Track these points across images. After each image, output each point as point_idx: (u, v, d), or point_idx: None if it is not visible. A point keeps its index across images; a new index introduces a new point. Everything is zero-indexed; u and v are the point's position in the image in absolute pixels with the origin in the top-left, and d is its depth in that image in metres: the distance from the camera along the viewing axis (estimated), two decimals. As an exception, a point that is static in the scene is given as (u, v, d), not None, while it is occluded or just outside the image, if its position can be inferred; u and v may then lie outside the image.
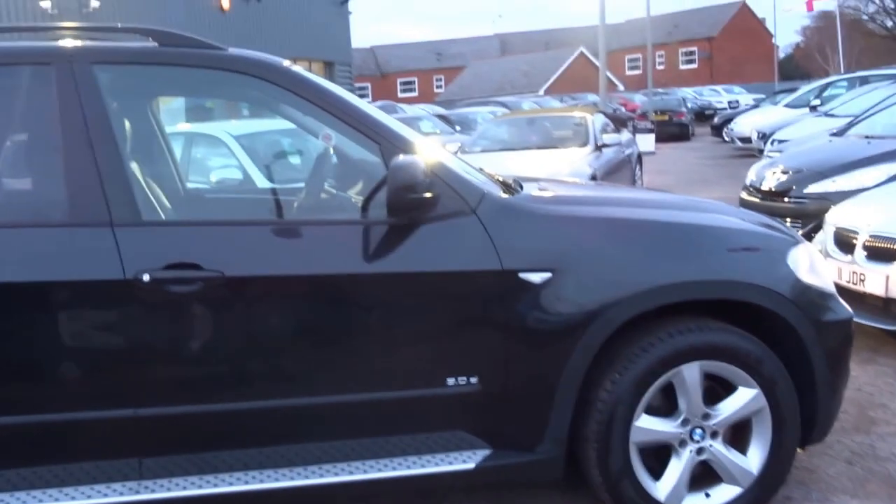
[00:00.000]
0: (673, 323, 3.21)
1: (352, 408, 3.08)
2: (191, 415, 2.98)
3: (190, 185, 5.32)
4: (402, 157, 2.94)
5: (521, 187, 3.57)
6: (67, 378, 2.94)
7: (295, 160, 6.91)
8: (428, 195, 2.96)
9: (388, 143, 3.14)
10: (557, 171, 9.02)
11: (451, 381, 3.08)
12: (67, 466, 2.94)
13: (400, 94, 61.86)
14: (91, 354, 2.95)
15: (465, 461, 3.10)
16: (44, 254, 2.90)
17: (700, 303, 3.28)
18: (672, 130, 28.67)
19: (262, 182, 6.75)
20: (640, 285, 3.13)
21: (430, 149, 3.26)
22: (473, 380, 3.09)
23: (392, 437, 3.12)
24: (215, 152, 7.84)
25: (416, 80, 67.22)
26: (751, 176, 9.03)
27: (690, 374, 3.18)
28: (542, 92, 46.24)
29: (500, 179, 3.59)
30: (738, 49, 60.67)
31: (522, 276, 3.06)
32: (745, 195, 8.79)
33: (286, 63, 3.32)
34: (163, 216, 3.40)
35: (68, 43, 3.21)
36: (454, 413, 3.14)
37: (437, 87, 64.00)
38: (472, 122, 20.75)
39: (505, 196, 3.28)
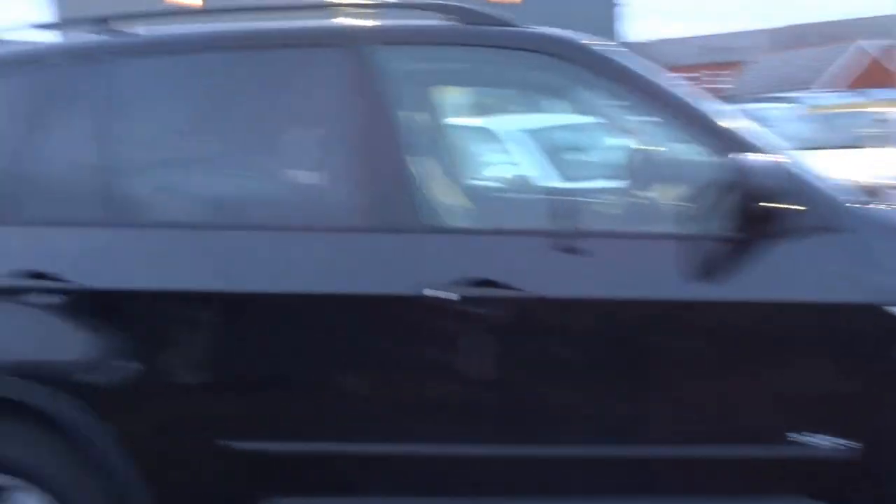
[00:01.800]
0: None
1: (681, 463, 2.60)
2: (497, 459, 2.61)
3: (483, 187, 4.96)
4: (758, 159, 2.42)
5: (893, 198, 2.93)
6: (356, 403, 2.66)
7: (596, 159, 6.28)
8: (797, 207, 2.44)
9: (730, 142, 2.60)
10: (876, 175, 8.05)
11: (800, 436, 2.51)
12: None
13: (672, 91, 60.08)
14: (388, 377, 2.64)
15: None
16: (333, 262, 2.63)
17: None
18: None
19: (563, 186, 6.19)
20: None
21: (781, 150, 2.70)
22: (829, 438, 2.50)
23: (712, 499, 2.61)
24: (502, 149, 7.30)
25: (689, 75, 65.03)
26: None
27: None
28: (823, 87, 43.05)
29: (863, 186, 2.97)
30: None
31: None
32: None
33: (604, 44, 2.84)
34: (461, 223, 3.09)
35: (357, 22, 2.87)
36: (800, 475, 2.58)
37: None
38: (762, 119, 19.45)
39: (877, 208, 2.69)
